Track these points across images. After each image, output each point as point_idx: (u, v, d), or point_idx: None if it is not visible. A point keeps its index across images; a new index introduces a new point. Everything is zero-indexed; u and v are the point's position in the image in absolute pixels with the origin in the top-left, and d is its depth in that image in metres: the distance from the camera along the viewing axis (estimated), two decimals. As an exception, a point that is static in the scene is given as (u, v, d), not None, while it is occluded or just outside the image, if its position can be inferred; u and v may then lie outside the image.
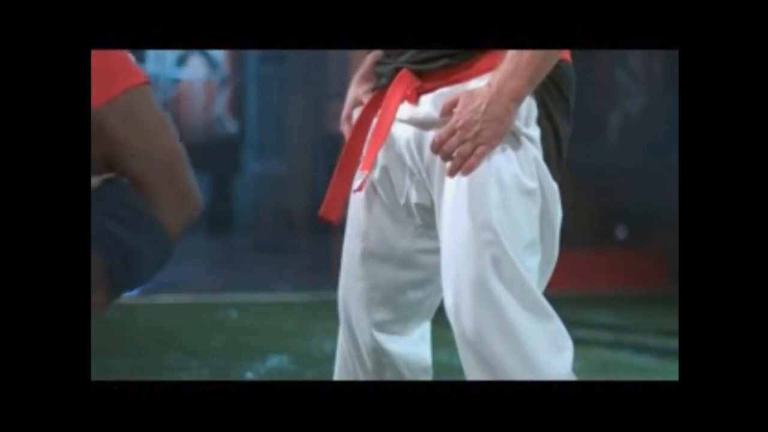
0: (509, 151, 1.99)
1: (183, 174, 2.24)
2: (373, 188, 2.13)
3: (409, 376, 2.19)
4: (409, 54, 2.07)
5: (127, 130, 2.18)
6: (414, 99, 2.07)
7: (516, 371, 1.95)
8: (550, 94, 2.03)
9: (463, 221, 1.97)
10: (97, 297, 2.23)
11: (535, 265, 2.00)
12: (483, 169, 1.97)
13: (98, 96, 2.13)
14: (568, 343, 1.99)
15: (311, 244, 8.68)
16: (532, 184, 1.99)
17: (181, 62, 10.42)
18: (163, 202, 2.20)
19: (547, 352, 1.97)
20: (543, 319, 1.97)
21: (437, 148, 1.99)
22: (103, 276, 2.21)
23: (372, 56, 2.22)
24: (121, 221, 2.18)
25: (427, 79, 2.06)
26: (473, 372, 1.98)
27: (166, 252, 2.24)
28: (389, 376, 2.18)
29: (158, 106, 2.27)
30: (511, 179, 1.98)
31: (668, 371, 4.66)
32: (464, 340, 1.98)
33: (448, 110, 2.00)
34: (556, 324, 1.99)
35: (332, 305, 2.31)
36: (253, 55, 9.87)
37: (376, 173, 2.12)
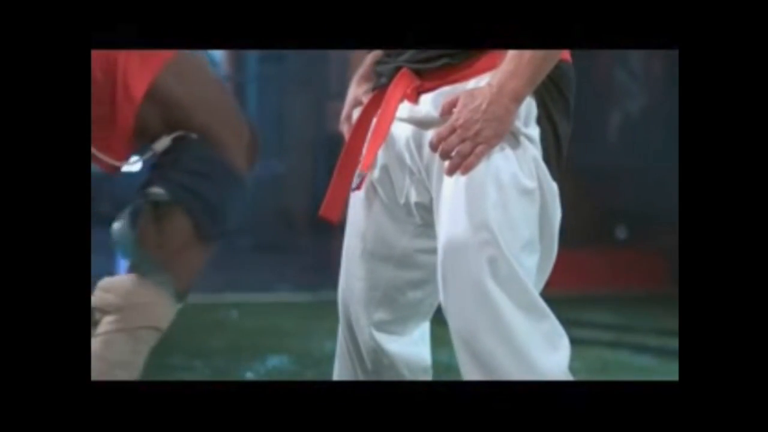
0: (508, 151, 1.99)
1: (234, 112, 2.37)
2: (372, 188, 2.13)
3: (408, 376, 2.19)
4: (409, 53, 2.07)
5: (182, 88, 2.34)
6: (414, 98, 2.07)
7: (511, 370, 1.95)
8: (550, 94, 2.03)
9: (461, 220, 1.97)
10: (189, 258, 2.29)
11: (532, 264, 2.01)
12: (481, 169, 1.97)
13: (150, 69, 2.23)
14: (564, 343, 1.99)
15: (311, 244, 8.67)
16: (531, 184, 1.99)
17: (181, 62, 10.40)
18: (225, 142, 2.33)
19: (543, 352, 1.97)
20: (539, 319, 1.97)
21: (436, 145, 1.99)
22: (192, 234, 2.28)
23: (372, 56, 2.22)
24: (198, 175, 2.29)
25: (426, 79, 2.06)
26: (469, 371, 1.98)
27: (242, 193, 2.35)
28: (389, 376, 2.18)
29: (199, 57, 2.38)
30: (509, 179, 1.98)
31: (668, 371, 4.66)
32: (460, 340, 1.98)
33: (447, 110, 2.00)
34: (552, 323, 1.99)
35: (332, 305, 2.31)
36: (253, 55, 9.86)
37: (376, 172, 2.12)
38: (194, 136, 2.32)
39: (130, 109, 2.32)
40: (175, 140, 2.33)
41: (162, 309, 2.40)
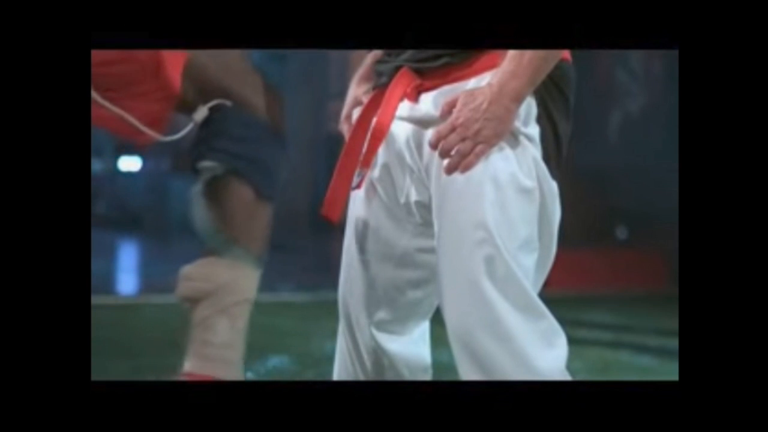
0: (507, 151, 1.99)
1: (254, 73, 2.49)
2: (372, 187, 2.13)
3: (408, 376, 2.19)
4: (409, 52, 2.07)
5: (212, 59, 2.40)
6: (414, 97, 2.07)
7: (508, 369, 1.95)
8: (550, 93, 2.03)
9: (458, 220, 1.97)
10: (257, 222, 2.32)
11: (530, 263, 2.00)
12: (480, 168, 1.97)
13: None
14: (562, 341, 1.99)
15: (312, 244, 8.67)
16: (530, 183, 1.99)
17: (182, 62, 10.39)
18: (255, 103, 2.37)
19: (540, 350, 1.96)
20: (535, 319, 1.97)
21: (435, 143, 1.99)
22: (254, 199, 2.31)
23: (372, 56, 2.23)
24: (245, 140, 2.35)
25: (427, 78, 2.06)
26: (466, 370, 1.98)
27: (284, 146, 2.41)
28: (389, 375, 2.18)
29: None
30: (507, 178, 1.98)
31: (668, 371, 4.66)
32: (457, 338, 1.99)
33: (447, 111, 1.99)
34: (549, 322, 1.98)
35: (332, 305, 2.31)
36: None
37: (377, 171, 2.12)
38: (229, 103, 2.37)
39: (174, 82, 2.36)
40: (212, 109, 2.38)
41: (248, 281, 2.44)
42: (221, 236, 2.39)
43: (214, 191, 2.39)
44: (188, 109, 2.42)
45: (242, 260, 2.42)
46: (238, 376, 2.45)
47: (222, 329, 2.43)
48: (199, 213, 2.41)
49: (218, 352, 2.44)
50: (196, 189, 2.41)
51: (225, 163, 2.37)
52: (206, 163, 2.38)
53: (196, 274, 2.44)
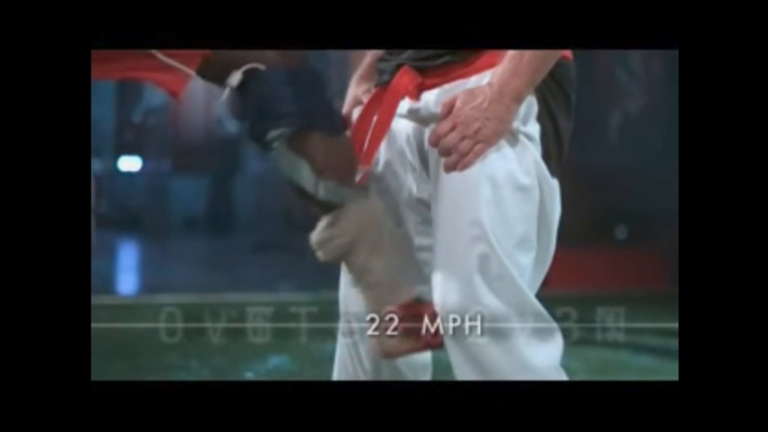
0: (506, 149, 1.99)
1: None
2: (374, 185, 2.13)
3: (408, 374, 2.19)
4: (410, 51, 2.07)
5: None
6: (415, 95, 2.07)
7: (501, 366, 1.95)
8: (551, 91, 2.03)
9: (454, 217, 1.98)
10: (346, 155, 2.31)
11: (527, 262, 2.00)
12: (477, 167, 1.97)
13: None
14: (556, 339, 1.99)
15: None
16: (528, 181, 1.99)
17: (182, 62, 10.38)
18: (274, 54, 2.34)
19: (533, 347, 1.96)
20: (529, 316, 1.97)
21: (435, 141, 1.99)
22: (331, 139, 2.30)
23: (371, 55, 2.23)
24: (293, 97, 2.31)
25: (428, 76, 2.06)
26: (461, 368, 1.98)
27: (319, 78, 2.41)
28: (388, 374, 2.18)
29: None
30: (505, 176, 1.98)
31: (668, 371, 4.66)
32: (450, 336, 1.99)
33: (446, 111, 1.99)
34: (544, 320, 1.98)
35: (332, 305, 2.31)
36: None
37: (379, 169, 2.12)
38: (262, 67, 2.35)
39: None
40: (245, 73, 2.36)
41: (372, 210, 2.40)
42: (327, 186, 2.37)
43: (295, 152, 2.37)
44: (208, 74, 2.40)
45: (356, 197, 2.39)
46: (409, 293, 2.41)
47: (380, 265, 2.40)
48: (297, 175, 2.38)
49: (386, 283, 2.40)
50: (281, 157, 2.39)
51: (290, 125, 2.35)
52: (273, 133, 2.37)
53: (328, 234, 2.40)
